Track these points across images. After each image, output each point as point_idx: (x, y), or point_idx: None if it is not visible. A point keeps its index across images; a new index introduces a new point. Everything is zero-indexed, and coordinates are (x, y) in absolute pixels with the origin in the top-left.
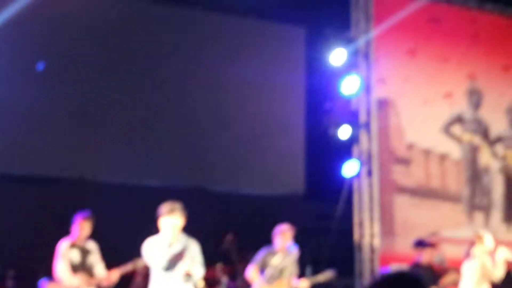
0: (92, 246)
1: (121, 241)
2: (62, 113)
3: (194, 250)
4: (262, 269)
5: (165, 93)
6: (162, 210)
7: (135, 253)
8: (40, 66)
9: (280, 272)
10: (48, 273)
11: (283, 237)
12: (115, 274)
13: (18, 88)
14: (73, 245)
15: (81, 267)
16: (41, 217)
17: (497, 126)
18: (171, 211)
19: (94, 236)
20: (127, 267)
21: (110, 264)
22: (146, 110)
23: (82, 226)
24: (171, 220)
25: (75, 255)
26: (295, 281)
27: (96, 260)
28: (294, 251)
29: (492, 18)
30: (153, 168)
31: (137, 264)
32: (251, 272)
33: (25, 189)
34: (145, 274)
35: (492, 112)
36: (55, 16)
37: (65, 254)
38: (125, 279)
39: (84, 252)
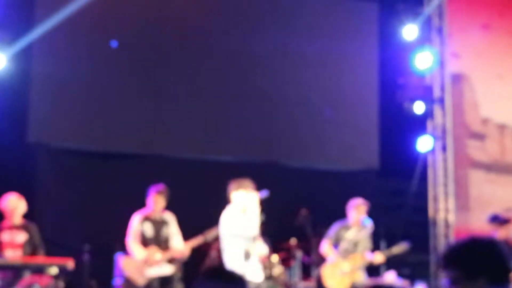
0: (169, 218)
1: (194, 215)
2: (136, 89)
3: None
4: (336, 243)
5: (239, 69)
6: (247, 184)
7: (207, 227)
8: (114, 43)
9: (354, 246)
10: (123, 247)
11: (357, 211)
12: (187, 248)
13: (93, 65)
14: (146, 218)
15: (155, 240)
16: (116, 193)
17: None
18: (253, 187)
19: (167, 210)
20: (198, 240)
21: (183, 238)
22: (220, 85)
23: (156, 200)
24: (255, 196)
25: (148, 228)
26: (370, 255)
27: (172, 232)
28: (368, 225)
29: None
30: (227, 143)
31: (208, 236)
32: (326, 247)
33: (100, 165)
34: (220, 248)
35: None
36: None
37: (136, 227)
38: (200, 253)
39: (159, 225)
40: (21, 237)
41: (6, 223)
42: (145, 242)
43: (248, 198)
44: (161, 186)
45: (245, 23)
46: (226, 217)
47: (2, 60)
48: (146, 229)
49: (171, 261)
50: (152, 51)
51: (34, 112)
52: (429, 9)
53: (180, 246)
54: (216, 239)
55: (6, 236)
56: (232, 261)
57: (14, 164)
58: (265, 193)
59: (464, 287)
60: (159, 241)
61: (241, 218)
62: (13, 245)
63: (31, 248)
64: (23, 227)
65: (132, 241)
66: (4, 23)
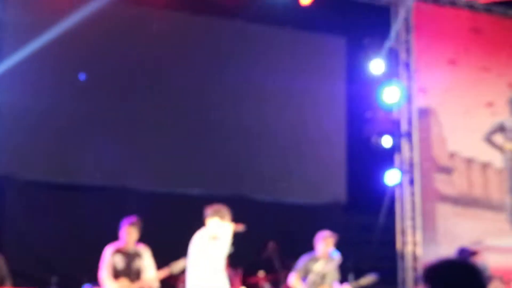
0: (143, 250)
1: (162, 248)
2: (104, 122)
3: None
4: (305, 275)
5: (208, 103)
6: (224, 213)
7: (175, 259)
8: (82, 76)
9: (322, 278)
10: (91, 279)
11: (325, 243)
12: (154, 279)
13: (62, 97)
14: (118, 251)
15: (125, 272)
16: (85, 225)
17: None
18: (230, 217)
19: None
20: (165, 272)
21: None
22: (189, 120)
23: (128, 231)
24: (230, 226)
25: (119, 261)
26: (338, 287)
27: (144, 265)
28: (336, 257)
29: None
30: (196, 176)
31: (174, 268)
32: (294, 279)
33: (69, 197)
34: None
35: None
36: (97, 30)
37: (108, 260)
38: (168, 286)
39: (130, 257)
40: None
41: None
42: (116, 274)
43: (222, 227)
44: (133, 218)
45: (216, 59)
46: (196, 240)
47: None
48: (117, 261)
49: None
50: (120, 84)
51: (1, 144)
52: (396, 44)
53: (150, 279)
54: (183, 271)
55: None
56: (195, 283)
57: None
58: (241, 227)
59: None
60: (129, 273)
61: (209, 244)
62: None
63: None
64: None
65: (103, 274)
66: None
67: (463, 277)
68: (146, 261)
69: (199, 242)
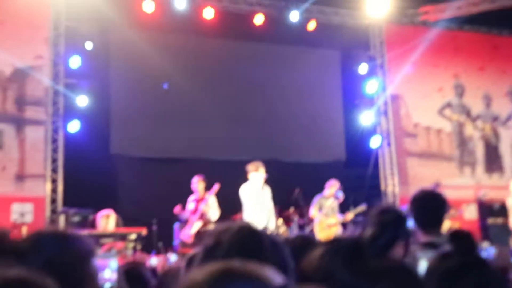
0: (208, 197)
1: (226, 200)
2: (180, 114)
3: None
4: (319, 209)
5: (248, 98)
6: (262, 166)
7: (231, 206)
8: (165, 85)
9: (332, 211)
10: (177, 220)
11: (332, 187)
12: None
13: (152, 97)
14: (192, 199)
15: (193, 212)
16: (172, 184)
17: (476, 108)
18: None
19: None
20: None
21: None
22: (237, 109)
23: (197, 184)
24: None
25: (191, 205)
26: (342, 216)
27: (209, 207)
28: (340, 197)
29: (469, 35)
30: (243, 147)
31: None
32: (313, 211)
33: (161, 167)
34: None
35: (472, 99)
36: (173, 54)
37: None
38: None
39: (199, 202)
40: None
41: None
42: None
43: (263, 177)
44: (201, 176)
45: (250, 69)
46: (247, 189)
47: (89, 98)
48: (190, 206)
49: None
50: (190, 89)
51: (114, 133)
52: (374, 53)
53: (213, 217)
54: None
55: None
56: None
57: (102, 169)
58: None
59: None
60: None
61: (260, 192)
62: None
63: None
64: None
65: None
66: (89, 73)
67: (433, 199)
68: (212, 205)
69: (252, 192)
